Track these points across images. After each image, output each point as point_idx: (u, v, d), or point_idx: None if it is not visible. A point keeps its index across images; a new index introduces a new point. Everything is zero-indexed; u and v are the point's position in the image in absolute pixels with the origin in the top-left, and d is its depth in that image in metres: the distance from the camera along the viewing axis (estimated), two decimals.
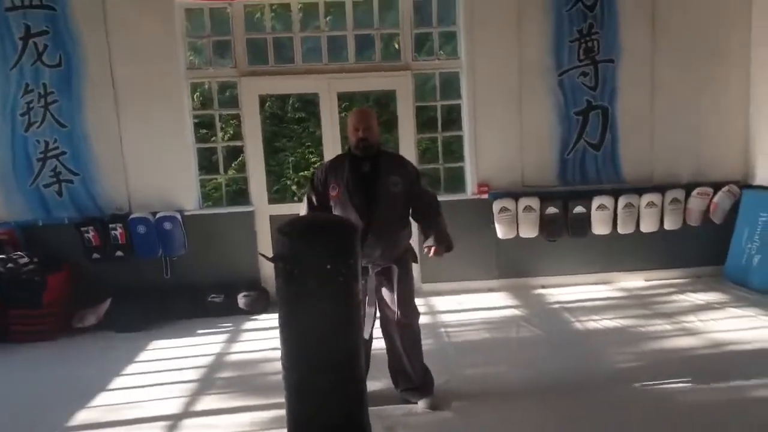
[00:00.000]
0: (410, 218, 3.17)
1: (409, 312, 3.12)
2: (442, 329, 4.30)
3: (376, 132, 3.08)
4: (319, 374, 2.42)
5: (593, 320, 4.36)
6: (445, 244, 3.08)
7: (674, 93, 5.17)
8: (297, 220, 2.55)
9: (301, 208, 3.18)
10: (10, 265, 4.47)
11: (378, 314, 3.14)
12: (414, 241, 3.23)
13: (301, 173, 7.68)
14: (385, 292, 3.10)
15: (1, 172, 4.83)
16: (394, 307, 3.08)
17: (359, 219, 2.96)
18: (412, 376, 3.19)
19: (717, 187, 5.16)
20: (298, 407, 2.46)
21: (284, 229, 2.43)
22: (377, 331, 3.16)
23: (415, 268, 3.36)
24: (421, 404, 3.15)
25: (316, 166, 3.14)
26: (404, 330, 3.13)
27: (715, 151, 5.28)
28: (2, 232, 4.76)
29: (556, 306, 4.74)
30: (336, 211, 3.05)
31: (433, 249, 3.06)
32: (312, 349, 2.41)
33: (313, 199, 3.12)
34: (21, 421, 3.28)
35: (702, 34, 5.13)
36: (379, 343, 3.20)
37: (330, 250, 2.39)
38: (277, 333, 4.15)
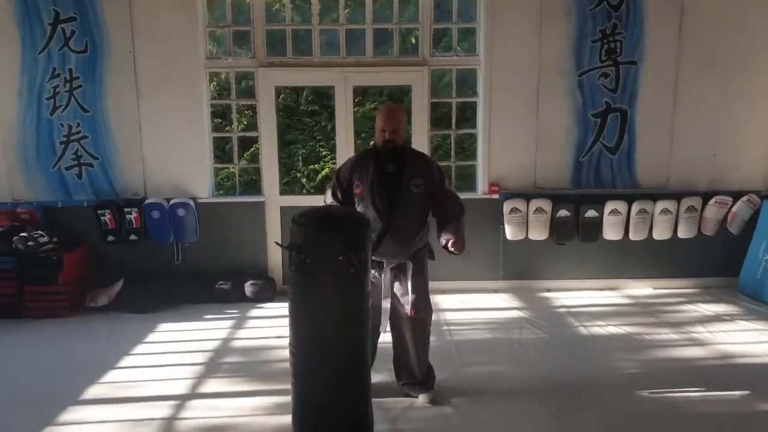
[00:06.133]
0: (429, 217, 3.20)
1: (422, 308, 3.14)
2: (445, 327, 4.32)
3: (403, 132, 3.13)
4: (325, 362, 2.47)
5: (598, 326, 4.34)
6: (461, 240, 3.09)
7: (697, 98, 5.08)
8: (312, 211, 2.59)
9: (325, 200, 3.26)
10: (30, 243, 4.59)
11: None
12: (431, 238, 3.26)
13: (311, 166, 7.73)
14: (397, 287, 3.14)
15: (25, 154, 4.95)
16: (406, 303, 3.12)
17: (379, 218, 3.02)
18: (416, 372, 3.23)
19: (736, 196, 5.06)
20: (304, 393, 2.52)
21: (299, 219, 2.48)
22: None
23: None
24: (421, 398, 3.20)
25: (334, 163, 3.22)
26: (415, 325, 3.16)
27: (736, 159, 5.18)
28: (24, 211, 4.90)
29: (561, 310, 4.72)
30: (359, 208, 3.10)
31: (451, 242, 3.03)
32: (320, 337, 2.47)
33: (338, 194, 3.18)
34: (33, 393, 3.39)
35: (729, 40, 5.03)
36: (385, 336, 3.23)
37: (343, 242, 2.44)
38: (282, 322, 4.24)
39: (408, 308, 3.11)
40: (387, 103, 3.80)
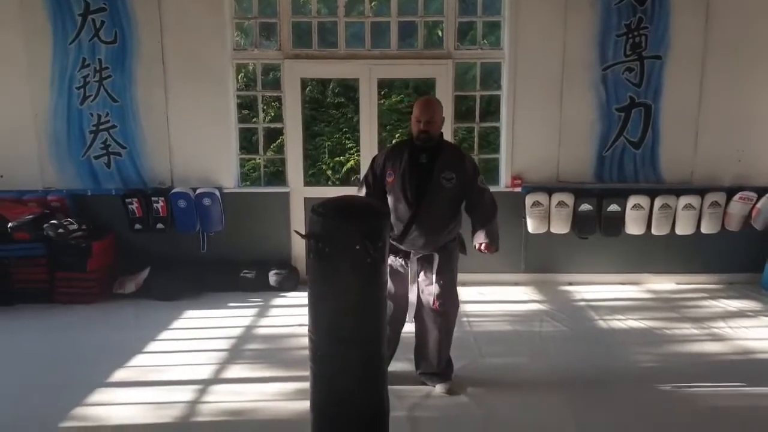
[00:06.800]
0: (461, 211, 3.23)
1: (447, 301, 3.17)
2: (465, 318, 4.34)
3: (439, 124, 3.16)
4: (342, 348, 2.51)
5: (618, 320, 4.35)
6: (495, 244, 3.19)
7: (722, 94, 5.02)
8: (331, 201, 2.64)
9: (358, 189, 3.33)
10: (60, 230, 4.72)
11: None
12: (466, 233, 3.30)
13: (337, 158, 7.78)
14: (423, 278, 3.19)
15: (56, 143, 5.08)
16: (430, 294, 3.16)
17: (408, 207, 3.07)
18: (435, 363, 3.27)
19: (761, 192, 4.99)
20: (321, 378, 2.58)
21: (318, 209, 2.52)
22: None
23: None
24: (438, 388, 3.25)
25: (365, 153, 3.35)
26: (438, 317, 3.20)
27: (763, 155, 5.12)
28: (55, 199, 5.03)
29: (582, 303, 4.73)
30: (390, 197, 3.15)
31: (484, 245, 3.16)
32: (337, 324, 2.51)
33: (370, 182, 3.24)
34: (63, 375, 3.52)
35: (757, 35, 4.96)
36: (408, 325, 3.30)
37: (360, 232, 2.47)
38: (304, 310, 4.34)
39: (432, 299, 3.16)
40: (425, 96, 3.75)
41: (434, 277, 3.14)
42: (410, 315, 3.22)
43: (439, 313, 3.18)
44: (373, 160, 3.32)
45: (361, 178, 3.37)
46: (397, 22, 5.15)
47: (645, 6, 4.93)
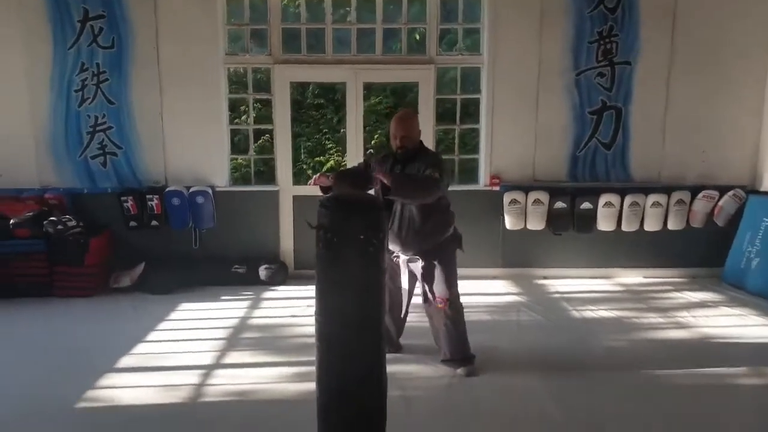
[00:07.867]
0: (440, 213, 3.43)
1: (439, 297, 3.46)
2: None
3: (415, 136, 3.46)
4: (347, 328, 2.77)
5: (591, 310, 4.63)
6: (393, 182, 3.16)
7: (688, 98, 5.35)
8: (337, 196, 2.92)
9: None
10: (59, 226, 4.88)
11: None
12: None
13: (317, 158, 7.98)
14: (418, 278, 3.51)
15: (54, 143, 5.24)
16: (424, 293, 3.51)
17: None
18: (450, 352, 3.54)
19: (723, 190, 5.33)
20: (327, 355, 2.83)
21: (326, 203, 2.80)
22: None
23: None
24: (460, 371, 3.50)
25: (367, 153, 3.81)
26: (436, 312, 3.52)
27: (724, 155, 5.45)
28: (53, 197, 5.18)
29: (557, 296, 5.01)
30: None
31: (381, 174, 3.20)
32: (342, 306, 2.76)
33: (360, 167, 3.63)
34: (72, 363, 3.68)
35: (721, 42, 5.30)
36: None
37: (364, 223, 2.73)
38: (295, 303, 4.58)
39: (427, 298, 3.51)
40: (400, 110, 4.03)
41: (424, 277, 3.46)
42: (405, 309, 3.57)
43: (436, 309, 3.50)
44: (367, 161, 3.70)
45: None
46: (382, 29, 5.39)
47: (616, 15, 5.25)
